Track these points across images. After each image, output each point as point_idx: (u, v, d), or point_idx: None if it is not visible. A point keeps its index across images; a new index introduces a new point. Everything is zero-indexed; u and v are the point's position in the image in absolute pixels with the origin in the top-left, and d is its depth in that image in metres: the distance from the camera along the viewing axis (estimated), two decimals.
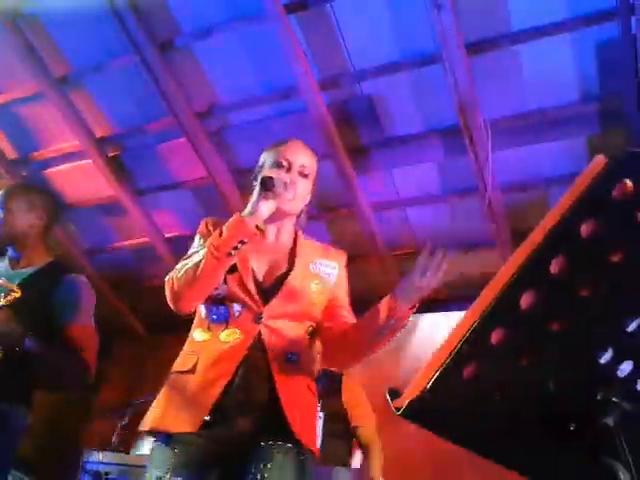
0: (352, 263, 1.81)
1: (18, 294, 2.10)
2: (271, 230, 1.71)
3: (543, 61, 2.67)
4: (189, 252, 1.61)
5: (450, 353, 0.70)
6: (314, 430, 1.64)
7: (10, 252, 2.42)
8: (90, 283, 2.56)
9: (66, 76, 3.24)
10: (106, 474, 2.44)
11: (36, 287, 2.35)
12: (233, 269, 1.58)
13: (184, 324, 1.82)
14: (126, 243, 4.10)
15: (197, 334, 1.63)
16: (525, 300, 0.69)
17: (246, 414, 1.52)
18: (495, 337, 0.70)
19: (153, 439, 1.56)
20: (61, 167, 3.77)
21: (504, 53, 2.68)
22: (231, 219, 1.50)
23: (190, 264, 1.51)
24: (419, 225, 3.47)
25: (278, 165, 1.63)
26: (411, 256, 3.56)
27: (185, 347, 1.65)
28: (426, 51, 2.74)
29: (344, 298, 1.75)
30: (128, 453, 2.61)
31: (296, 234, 1.75)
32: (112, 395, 3.55)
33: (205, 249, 1.49)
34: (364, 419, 2.80)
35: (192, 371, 1.56)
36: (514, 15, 2.59)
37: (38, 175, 3.83)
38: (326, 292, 1.69)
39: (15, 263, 2.40)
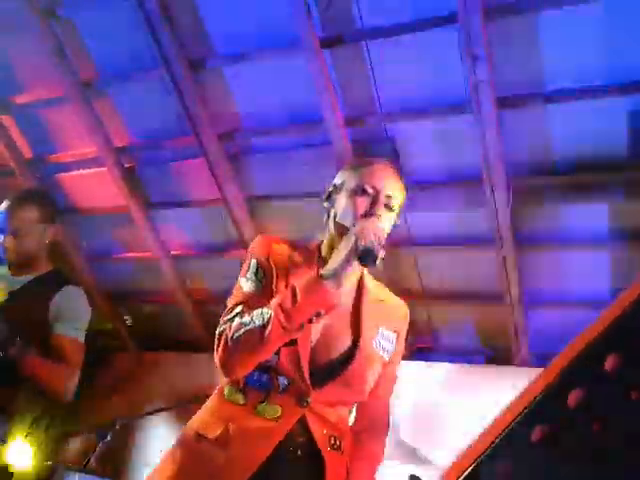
0: None
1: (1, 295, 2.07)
2: (349, 285, 1.41)
3: (574, 123, 2.63)
4: (243, 286, 1.39)
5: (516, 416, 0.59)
6: None
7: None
8: (88, 293, 2.52)
9: (92, 81, 3.22)
10: None
11: (34, 293, 2.31)
12: (292, 341, 1.34)
13: (183, 344, 1.74)
14: (130, 255, 4.04)
15: (228, 391, 1.41)
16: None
17: None
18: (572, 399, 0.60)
19: None
20: (75, 172, 3.74)
21: (535, 111, 2.65)
22: (309, 281, 1.25)
23: (251, 326, 1.27)
24: (428, 273, 3.40)
25: (362, 192, 1.39)
26: (417, 302, 3.50)
27: (212, 401, 1.45)
28: (456, 100, 2.70)
29: (392, 374, 1.53)
30: (105, 476, 2.49)
31: (361, 276, 1.48)
32: (98, 411, 3.44)
33: (270, 313, 1.25)
34: None
35: (221, 444, 1.34)
36: (548, 75, 2.56)
37: (51, 178, 3.80)
38: (381, 369, 1.48)
39: (16, 270, 2.37)
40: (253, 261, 1.42)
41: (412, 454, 3.13)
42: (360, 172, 1.44)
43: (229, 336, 1.29)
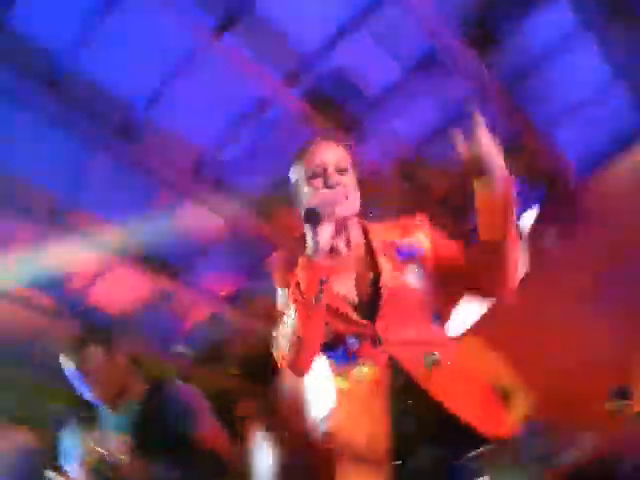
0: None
1: (128, 443, 2.07)
2: (340, 243, 1.54)
3: None
4: (279, 309, 1.49)
5: None
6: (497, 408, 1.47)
7: None
8: (188, 387, 2.50)
9: (53, 207, 3.16)
10: None
11: (147, 419, 2.31)
12: (326, 307, 1.43)
13: None
14: (195, 320, 4.04)
15: (337, 382, 1.51)
16: None
17: (423, 444, 1.38)
18: None
19: None
20: (96, 288, 3.74)
21: None
22: (300, 264, 1.37)
23: (287, 329, 1.39)
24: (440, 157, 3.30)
25: (314, 175, 1.50)
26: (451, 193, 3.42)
27: (334, 398, 1.54)
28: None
29: (454, 247, 1.54)
30: None
31: (364, 229, 1.58)
32: None
33: (292, 307, 1.37)
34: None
35: (346, 427, 1.46)
36: None
37: (82, 307, 3.80)
38: (431, 267, 1.51)
39: (117, 406, 2.37)
40: (278, 291, 1.54)
41: None
42: (303, 160, 1.54)
43: (280, 347, 1.43)
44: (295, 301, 1.36)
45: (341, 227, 1.50)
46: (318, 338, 1.41)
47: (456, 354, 1.49)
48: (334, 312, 1.44)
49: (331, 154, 1.53)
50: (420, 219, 1.59)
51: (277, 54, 2.74)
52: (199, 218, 3.26)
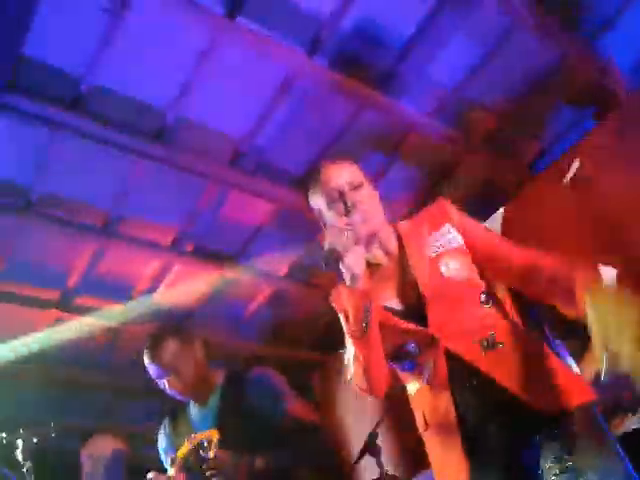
0: (452, 176, 1.60)
1: (216, 436, 2.10)
2: (380, 254, 1.59)
3: None
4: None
5: None
6: (567, 379, 1.45)
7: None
8: (264, 369, 2.52)
9: (106, 221, 3.20)
10: None
11: (232, 408, 2.35)
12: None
13: None
14: (258, 302, 4.09)
15: (409, 388, 1.57)
16: None
17: (495, 430, 1.40)
18: None
19: None
20: (161, 288, 3.80)
21: None
22: (343, 295, 1.44)
23: (350, 362, 1.47)
24: (484, 96, 3.15)
25: (332, 200, 1.54)
26: (495, 130, 3.28)
27: (411, 403, 1.58)
28: None
29: (490, 238, 1.59)
30: None
31: (397, 234, 1.62)
32: None
33: (349, 340, 1.44)
34: None
35: (428, 429, 1.50)
36: None
37: (150, 309, 3.89)
38: (465, 255, 1.53)
39: (200, 399, 2.42)
40: (340, 317, 1.55)
41: None
42: (318, 188, 1.58)
43: (351, 378, 1.49)
44: (348, 334, 1.42)
45: (374, 239, 1.56)
46: (380, 360, 1.46)
47: (512, 332, 1.48)
48: (387, 326, 1.48)
49: (343, 175, 1.56)
50: (444, 207, 1.60)
51: (292, 25, 2.62)
52: (246, 205, 3.24)
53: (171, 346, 2.38)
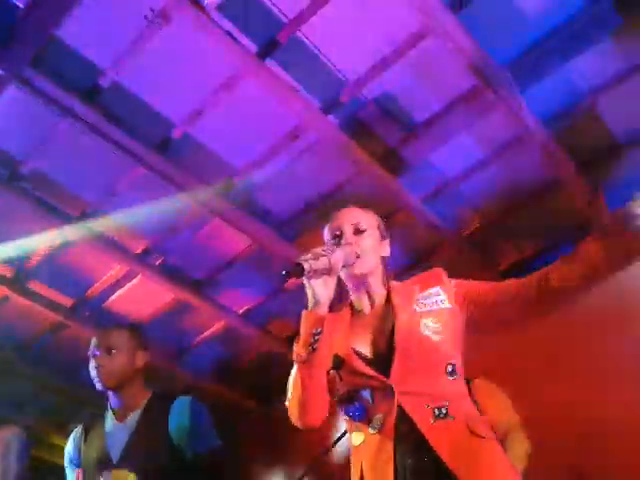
0: (427, 262, 1.69)
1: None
2: (364, 302, 1.62)
3: None
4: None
5: None
6: (505, 471, 1.45)
7: (112, 401, 2.37)
8: (195, 398, 2.47)
9: (84, 212, 3.20)
10: None
11: (149, 430, 2.28)
12: (340, 362, 1.52)
13: None
14: (207, 335, 4.05)
15: (354, 438, 1.54)
16: None
17: None
18: None
19: None
20: (117, 294, 3.75)
21: None
22: (302, 317, 1.45)
23: (290, 386, 1.48)
24: (477, 196, 3.27)
25: (332, 237, 1.60)
26: (480, 230, 3.39)
27: (351, 456, 1.56)
28: (411, 30, 2.55)
29: (483, 287, 1.59)
30: None
31: (388, 289, 1.63)
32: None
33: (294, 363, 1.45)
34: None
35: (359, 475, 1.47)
36: None
37: (100, 310, 3.82)
38: (449, 320, 1.54)
39: (121, 413, 2.35)
40: None
41: None
42: (328, 227, 1.64)
43: (288, 399, 1.49)
44: (294, 353, 1.42)
45: (363, 283, 1.59)
46: (320, 390, 1.46)
47: (465, 410, 1.49)
48: (349, 368, 1.49)
49: (350, 217, 1.61)
50: (439, 273, 1.64)
51: (316, 81, 2.74)
52: (224, 235, 3.26)
53: (124, 333, 2.38)
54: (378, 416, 1.46)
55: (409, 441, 1.42)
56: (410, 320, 1.53)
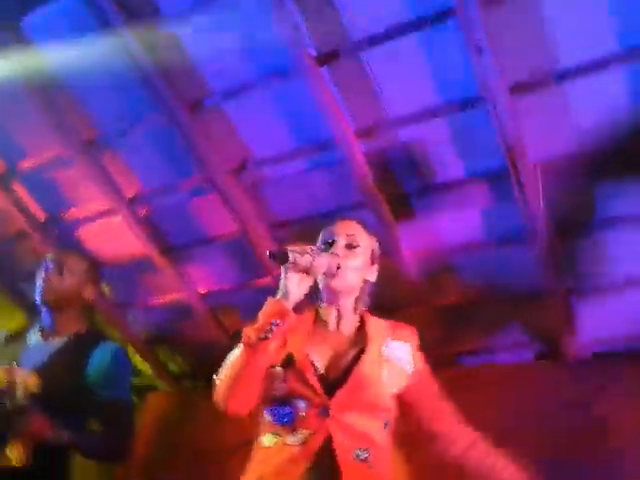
0: (394, 315, 1.71)
1: (33, 383, 2.02)
2: (332, 317, 1.62)
3: (593, 98, 2.51)
4: None
5: None
6: None
7: (44, 319, 2.33)
8: (124, 347, 2.44)
9: (94, 139, 3.17)
10: None
11: (69, 357, 2.25)
12: (291, 363, 1.52)
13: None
14: (159, 300, 4.00)
15: (265, 439, 1.52)
16: None
17: None
18: None
19: None
20: (92, 226, 3.70)
21: (551, 92, 2.52)
22: (266, 304, 1.46)
23: (229, 360, 1.45)
24: (464, 273, 3.29)
25: (324, 243, 1.61)
26: (455, 306, 3.39)
27: (253, 454, 1.54)
28: (466, 95, 2.59)
29: (432, 387, 1.62)
30: None
31: (362, 316, 1.64)
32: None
33: (240, 345, 1.44)
34: None
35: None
36: (561, 52, 2.44)
37: (68, 235, 3.76)
38: (399, 381, 1.57)
39: (48, 333, 2.31)
40: None
41: None
42: (325, 230, 1.65)
43: (219, 377, 1.47)
44: (245, 334, 1.41)
45: (334, 300, 1.59)
46: (255, 380, 1.44)
47: (385, 464, 1.51)
48: (297, 372, 1.50)
49: (348, 230, 1.63)
50: (415, 334, 1.67)
51: (362, 105, 2.76)
52: (219, 214, 3.24)
53: (83, 262, 2.42)
54: (304, 431, 1.45)
55: (324, 469, 1.42)
56: (376, 359, 1.54)
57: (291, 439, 1.45)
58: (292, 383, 1.50)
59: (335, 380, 1.50)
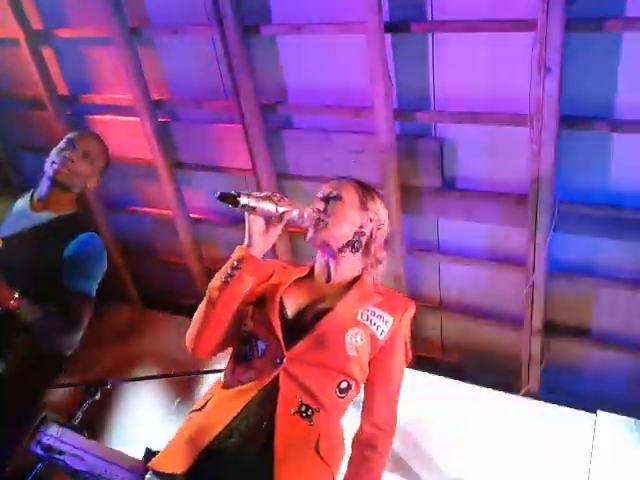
0: None
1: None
2: (319, 269, 1.59)
3: (637, 156, 2.48)
4: None
5: None
6: None
7: (41, 189, 2.27)
8: (104, 243, 2.39)
9: (141, 28, 3.09)
10: (60, 453, 2.25)
11: (51, 235, 2.20)
12: (262, 303, 1.51)
13: (188, 308, 1.71)
14: (149, 210, 3.95)
15: (224, 374, 1.54)
16: None
17: (236, 464, 1.35)
18: None
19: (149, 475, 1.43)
20: (107, 117, 3.63)
21: (599, 137, 2.49)
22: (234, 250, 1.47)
23: (199, 306, 1.48)
24: (448, 283, 3.28)
25: (316, 198, 1.58)
26: (430, 311, 3.38)
27: (215, 382, 1.56)
28: (516, 110, 2.54)
29: (389, 365, 1.54)
30: (85, 433, 2.41)
31: (360, 278, 1.58)
32: (90, 361, 3.36)
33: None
34: None
35: (200, 409, 1.46)
36: (620, 102, 2.40)
37: (81, 118, 3.69)
38: (371, 350, 1.50)
39: (38, 205, 2.26)
40: None
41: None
42: (321, 187, 1.61)
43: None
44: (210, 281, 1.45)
45: (320, 254, 1.57)
46: (220, 322, 1.44)
47: (328, 427, 1.46)
48: (264, 313, 1.48)
49: (338, 185, 1.58)
50: (407, 307, 1.58)
51: (411, 86, 2.71)
52: (236, 147, 3.18)
53: (105, 153, 2.40)
54: (254, 373, 1.43)
55: (259, 415, 1.39)
56: (345, 319, 1.48)
57: (242, 377, 1.44)
58: (257, 321, 1.50)
59: (299, 330, 1.46)
